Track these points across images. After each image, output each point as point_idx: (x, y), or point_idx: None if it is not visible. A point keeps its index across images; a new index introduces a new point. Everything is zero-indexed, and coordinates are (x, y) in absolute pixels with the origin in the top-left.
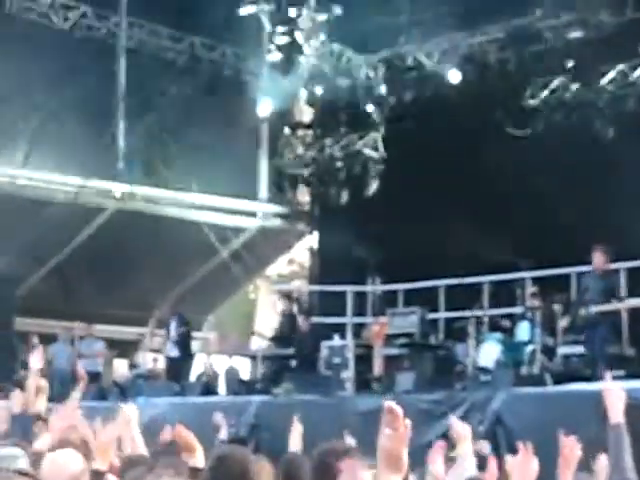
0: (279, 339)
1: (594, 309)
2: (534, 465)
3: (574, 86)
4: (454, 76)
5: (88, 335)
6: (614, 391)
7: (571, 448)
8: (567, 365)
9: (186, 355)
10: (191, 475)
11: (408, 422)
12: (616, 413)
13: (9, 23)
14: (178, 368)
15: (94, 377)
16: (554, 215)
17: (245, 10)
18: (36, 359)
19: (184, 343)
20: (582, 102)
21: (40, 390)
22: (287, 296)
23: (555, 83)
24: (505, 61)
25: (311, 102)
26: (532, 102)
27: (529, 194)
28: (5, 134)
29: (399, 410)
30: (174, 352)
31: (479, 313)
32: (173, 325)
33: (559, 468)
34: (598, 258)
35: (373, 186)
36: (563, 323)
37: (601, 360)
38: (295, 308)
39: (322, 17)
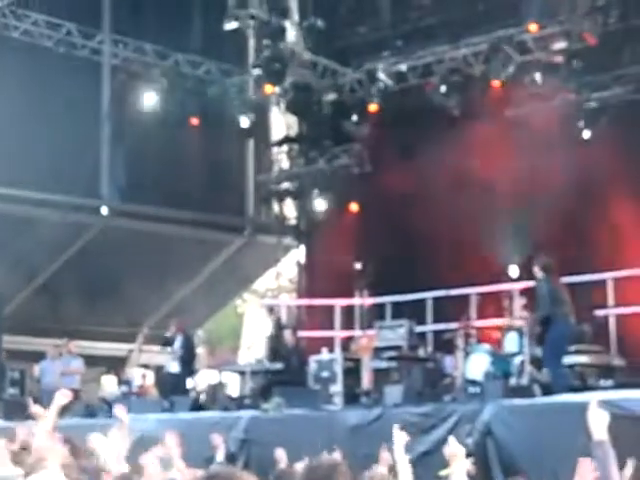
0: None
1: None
2: None
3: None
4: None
5: (66, 352)
6: (596, 411)
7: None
8: None
9: (187, 372)
10: None
11: None
12: (599, 431)
13: None
14: (176, 384)
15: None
16: (542, 226)
17: (229, 25)
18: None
19: (188, 360)
20: (566, 113)
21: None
22: (272, 308)
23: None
24: (489, 73)
25: (297, 116)
26: (516, 113)
27: (516, 205)
28: None
29: None
30: (175, 368)
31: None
32: (178, 342)
33: None
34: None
35: (359, 199)
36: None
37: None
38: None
39: (306, 31)
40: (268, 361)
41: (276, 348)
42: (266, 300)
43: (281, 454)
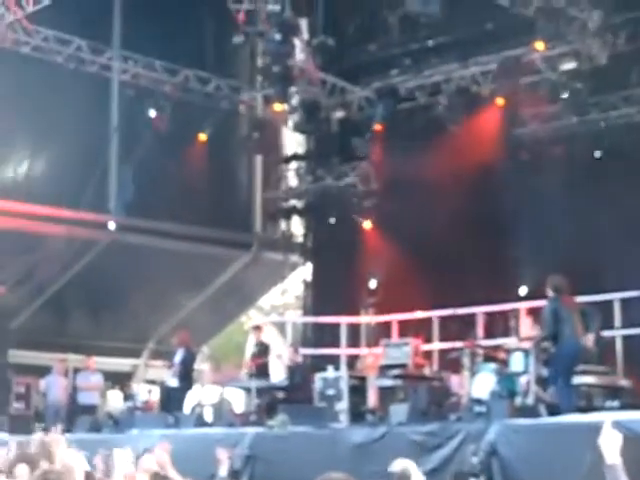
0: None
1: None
2: None
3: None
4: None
5: (85, 367)
6: (609, 433)
7: None
8: None
9: (185, 387)
10: None
11: None
12: (612, 454)
13: (2, 56)
14: (175, 399)
15: (90, 410)
16: (552, 245)
17: (237, 39)
18: None
19: (185, 375)
20: (574, 133)
21: None
22: (257, 327)
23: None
24: (497, 92)
25: (305, 133)
26: (523, 132)
27: (523, 225)
28: None
29: None
30: (174, 383)
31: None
32: (179, 355)
33: None
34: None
35: (365, 217)
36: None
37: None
38: (265, 338)
39: (315, 49)
40: (249, 379)
41: (260, 367)
42: (271, 317)
43: (222, 454)
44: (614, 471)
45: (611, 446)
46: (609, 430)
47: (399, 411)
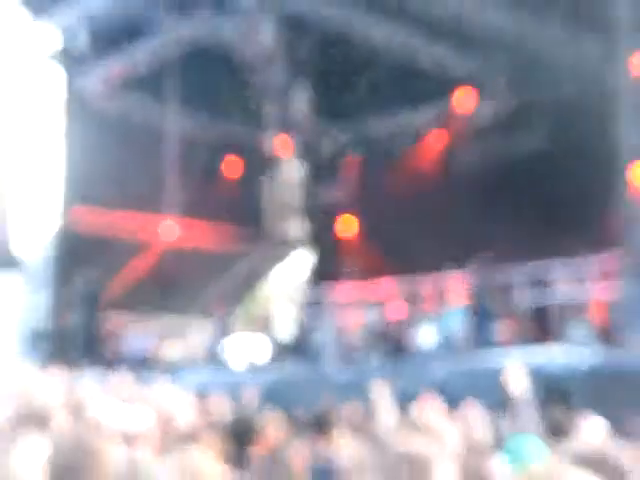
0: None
1: None
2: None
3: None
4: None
5: (144, 326)
6: (513, 369)
7: None
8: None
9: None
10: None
11: None
12: (517, 388)
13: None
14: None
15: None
16: (489, 225)
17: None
18: None
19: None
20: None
21: None
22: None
23: None
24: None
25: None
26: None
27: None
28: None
29: None
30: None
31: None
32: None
33: None
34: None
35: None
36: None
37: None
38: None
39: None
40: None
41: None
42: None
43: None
44: (519, 404)
45: (515, 380)
46: (512, 368)
47: None
